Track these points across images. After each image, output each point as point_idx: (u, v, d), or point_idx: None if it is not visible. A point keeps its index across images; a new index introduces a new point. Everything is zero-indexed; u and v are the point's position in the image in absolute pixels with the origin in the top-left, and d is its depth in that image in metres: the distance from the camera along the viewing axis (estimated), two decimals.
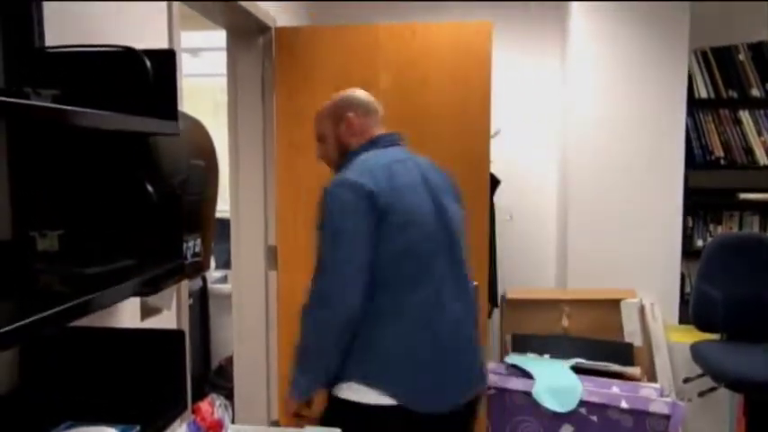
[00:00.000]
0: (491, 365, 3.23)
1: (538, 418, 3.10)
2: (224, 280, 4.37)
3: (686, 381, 3.23)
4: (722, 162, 3.55)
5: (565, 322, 3.43)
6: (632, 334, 3.35)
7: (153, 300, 1.93)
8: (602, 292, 3.49)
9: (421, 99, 2.96)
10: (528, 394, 3.11)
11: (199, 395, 1.80)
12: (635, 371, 3.21)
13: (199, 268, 1.66)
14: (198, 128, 1.78)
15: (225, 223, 3.14)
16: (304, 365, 1.79)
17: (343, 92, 2.05)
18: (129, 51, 1.31)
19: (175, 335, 1.45)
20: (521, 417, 3.14)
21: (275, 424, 3.11)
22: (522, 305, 3.49)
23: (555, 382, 3.11)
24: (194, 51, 4.59)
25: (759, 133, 3.55)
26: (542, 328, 3.44)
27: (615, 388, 3.08)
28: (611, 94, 3.48)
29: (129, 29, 1.83)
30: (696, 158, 3.55)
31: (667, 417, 2.94)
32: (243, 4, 2.63)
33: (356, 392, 1.76)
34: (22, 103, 0.97)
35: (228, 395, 1.94)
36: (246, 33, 2.99)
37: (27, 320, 0.89)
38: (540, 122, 3.77)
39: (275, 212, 3.11)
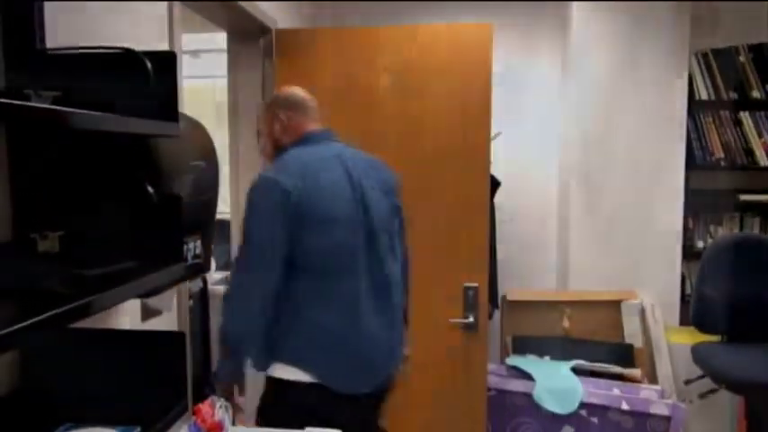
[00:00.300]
0: (491, 367, 3.23)
1: (538, 420, 3.09)
2: (225, 281, 4.37)
3: (687, 382, 3.22)
4: (723, 163, 3.55)
5: (565, 324, 3.43)
6: (633, 335, 3.35)
7: (153, 301, 1.93)
8: (602, 293, 3.48)
9: (421, 101, 2.96)
10: (528, 396, 3.11)
11: (199, 397, 1.80)
12: (635, 372, 3.21)
13: (199, 270, 1.66)
14: (198, 129, 1.78)
15: (225, 224, 3.14)
16: (224, 351, 1.97)
17: (280, 90, 2.19)
18: (129, 53, 1.31)
19: (176, 336, 1.45)
20: (521, 418, 3.14)
21: None
22: (522, 306, 3.49)
23: (555, 384, 3.11)
24: (195, 53, 4.60)
25: (759, 135, 3.54)
26: (543, 330, 3.44)
27: (616, 389, 3.08)
28: (612, 94, 3.47)
29: (130, 30, 1.83)
30: (697, 160, 3.54)
31: (668, 418, 2.94)
32: (243, 5, 2.63)
33: (285, 372, 1.94)
34: (23, 105, 0.97)
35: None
36: (247, 35, 2.99)
37: (27, 322, 0.89)
38: (541, 124, 3.78)
39: None
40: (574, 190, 3.56)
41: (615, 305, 3.44)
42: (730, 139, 3.57)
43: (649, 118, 3.48)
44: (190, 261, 1.56)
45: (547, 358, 3.31)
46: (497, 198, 3.47)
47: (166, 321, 2.05)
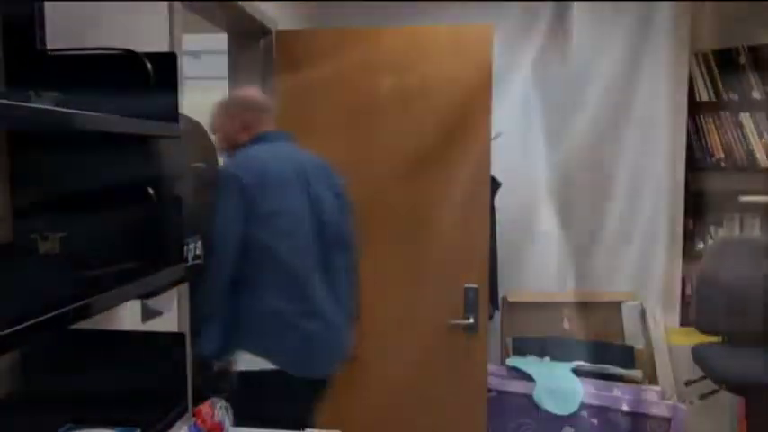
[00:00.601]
0: (492, 368, 3.22)
1: (538, 421, 3.09)
2: None
3: (687, 383, 3.23)
4: (723, 164, 3.56)
5: (566, 325, 3.43)
6: (633, 336, 3.35)
7: (154, 302, 1.93)
8: (602, 294, 3.48)
9: (422, 102, 2.96)
10: (529, 397, 3.10)
11: (199, 398, 1.80)
12: (636, 374, 3.21)
13: (200, 271, 1.66)
14: (199, 130, 1.78)
15: None
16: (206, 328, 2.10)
17: (238, 91, 2.36)
18: (130, 54, 1.31)
19: (176, 337, 1.45)
20: (521, 419, 3.14)
21: None
22: (522, 308, 3.49)
23: (556, 385, 3.11)
24: (196, 54, 4.60)
25: (760, 136, 3.55)
26: (543, 331, 3.44)
27: (616, 391, 3.08)
28: (612, 95, 3.47)
29: (130, 31, 1.83)
30: (697, 161, 3.56)
31: (668, 420, 2.93)
32: (243, 6, 2.63)
33: (247, 362, 2.07)
34: (23, 106, 0.97)
35: (229, 398, 1.99)
36: (247, 36, 2.99)
37: (27, 323, 0.89)
38: (541, 124, 3.78)
39: None
40: (574, 190, 3.56)
41: (615, 306, 3.44)
42: (731, 141, 3.57)
43: (650, 118, 3.48)
44: (190, 262, 1.56)
45: (547, 359, 3.30)
46: (498, 199, 3.48)
47: (167, 322, 2.05)
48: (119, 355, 1.44)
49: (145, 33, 1.95)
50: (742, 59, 3.60)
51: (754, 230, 3.71)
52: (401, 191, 2.93)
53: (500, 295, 3.54)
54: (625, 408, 2.98)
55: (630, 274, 3.53)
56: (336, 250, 2.25)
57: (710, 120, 3.61)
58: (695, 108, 3.55)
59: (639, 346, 3.31)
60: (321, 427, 2.02)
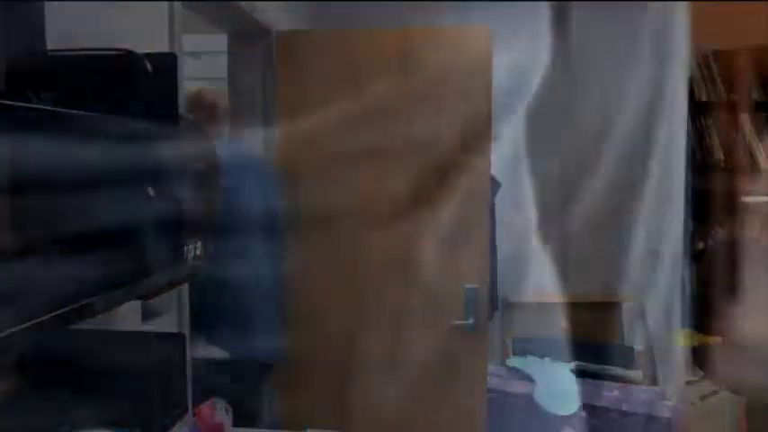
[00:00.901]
0: (492, 368, 3.23)
1: (538, 421, 3.09)
2: None
3: (688, 384, 3.23)
4: (723, 165, 3.56)
5: (566, 325, 3.43)
6: (633, 337, 3.35)
7: (154, 303, 1.93)
8: (603, 294, 3.49)
9: (422, 102, 2.96)
10: (529, 397, 3.11)
11: (199, 398, 1.80)
12: (636, 374, 3.21)
13: (199, 272, 1.66)
14: (199, 131, 1.78)
15: None
16: None
17: (189, 90, 2.47)
18: (130, 54, 1.31)
19: (176, 338, 1.45)
20: (521, 420, 3.14)
21: None
22: (522, 308, 3.49)
23: (556, 386, 3.11)
24: (196, 54, 4.59)
25: (760, 137, 3.56)
26: (543, 331, 3.45)
27: (616, 391, 3.08)
28: (612, 96, 3.47)
29: (131, 31, 1.83)
30: (697, 161, 3.55)
31: (669, 420, 2.94)
32: (244, 6, 2.64)
33: (206, 351, 2.24)
34: (23, 107, 0.97)
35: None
36: (247, 37, 2.99)
37: (28, 324, 0.89)
38: (542, 124, 3.78)
39: None
40: (574, 191, 3.56)
41: (616, 307, 3.44)
42: (731, 141, 3.57)
43: (650, 119, 3.48)
44: (190, 263, 1.56)
45: (547, 360, 3.31)
46: (498, 200, 3.48)
47: (167, 323, 2.05)
48: (118, 355, 1.44)
49: (145, 33, 1.95)
50: (742, 60, 3.62)
51: (755, 231, 3.72)
52: (401, 190, 2.95)
53: (500, 296, 3.55)
54: (625, 408, 2.98)
55: (631, 274, 3.56)
56: (274, 242, 2.43)
57: (711, 121, 3.62)
58: (695, 109, 3.55)
59: (639, 346, 3.31)
60: (322, 427, 2.02)
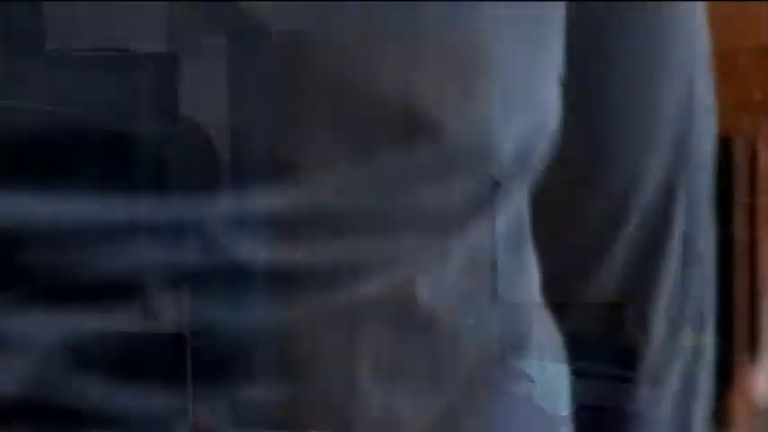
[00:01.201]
0: None
1: (538, 421, 3.08)
2: None
3: None
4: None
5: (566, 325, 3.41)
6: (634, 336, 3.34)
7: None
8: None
9: None
10: (529, 397, 3.10)
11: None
12: (638, 374, 3.20)
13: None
14: (200, 131, 1.79)
15: None
16: None
17: None
18: (130, 54, 1.32)
19: (176, 338, 1.45)
20: (521, 419, 3.13)
21: None
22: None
23: (555, 385, 3.10)
24: None
25: None
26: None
27: (616, 391, 3.07)
28: None
29: (131, 32, 1.84)
30: None
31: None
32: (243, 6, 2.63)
33: None
34: (21, 107, 0.98)
35: None
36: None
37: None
38: None
39: None
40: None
41: (615, 305, 3.42)
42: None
43: None
44: None
45: (547, 359, 3.30)
46: None
47: (167, 323, 2.06)
48: (118, 355, 1.45)
49: (146, 33, 1.96)
50: (743, 61, 3.64)
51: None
52: None
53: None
54: (626, 408, 2.97)
55: None
56: None
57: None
58: None
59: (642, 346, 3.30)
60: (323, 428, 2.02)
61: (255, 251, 0.40)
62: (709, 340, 0.55)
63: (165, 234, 0.39)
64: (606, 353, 0.56)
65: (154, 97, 0.40)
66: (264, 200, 0.42)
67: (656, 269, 0.53)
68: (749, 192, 2.06)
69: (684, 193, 0.52)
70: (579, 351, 0.53)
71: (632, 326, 0.55)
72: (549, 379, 0.49)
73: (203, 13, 0.41)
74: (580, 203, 0.52)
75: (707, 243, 0.55)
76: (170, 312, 0.39)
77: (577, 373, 0.54)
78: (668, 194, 0.52)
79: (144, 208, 0.39)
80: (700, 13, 0.54)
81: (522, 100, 0.47)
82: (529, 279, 0.48)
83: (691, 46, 0.52)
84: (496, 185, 0.43)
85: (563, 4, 0.48)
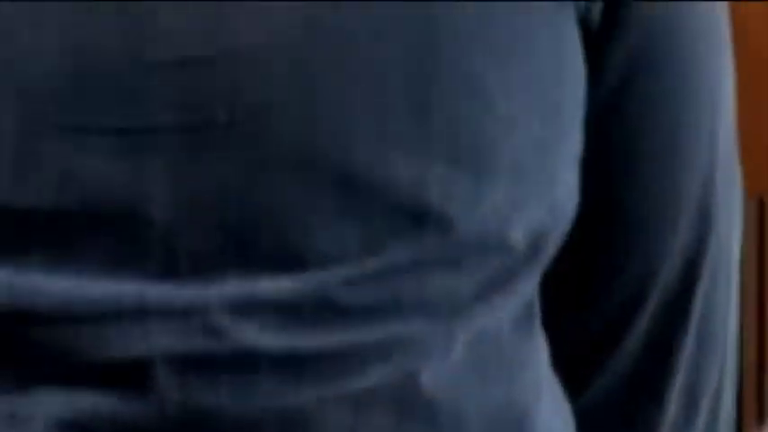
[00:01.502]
0: None
1: None
2: None
3: None
4: None
5: None
6: None
7: None
8: None
9: None
10: None
11: None
12: None
13: None
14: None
15: None
16: None
17: None
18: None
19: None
20: None
21: None
22: None
23: None
24: None
25: None
26: None
27: None
28: None
29: None
30: None
31: None
32: None
33: None
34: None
35: None
36: None
37: None
38: None
39: None
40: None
41: None
42: None
43: None
44: None
45: None
46: None
47: None
48: None
49: None
50: None
51: None
52: None
53: None
54: None
55: None
56: None
57: None
58: None
59: None
60: None
61: (261, 337, 0.37)
62: (724, 419, 0.49)
63: (173, 317, 0.37)
64: (620, 430, 0.49)
65: (167, 180, 0.37)
66: (272, 286, 0.37)
67: (671, 351, 0.47)
68: None
69: (705, 277, 0.47)
70: (593, 428, 0.47)
71: (647, 404, 0.48)
72: None
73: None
74: (598, 286, 0.47)
75: (725, 327, 0.49)
76: (176, 395, 0.36)
77: None
78: (688, 278, 0.47)
79: (153, 290, 0.37)
80: (725, 80, 0.47)
81: (537, 190, 0.41)
82: (538, 362, 0.43)
83: (714, 116, 0.46)
84: (506, 272, 0.40)
85: (582, 90, 0.43)
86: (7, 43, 0.37)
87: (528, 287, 0.42)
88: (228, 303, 0.37)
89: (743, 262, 0.52)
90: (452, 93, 0.38)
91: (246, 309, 0.37)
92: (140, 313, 0.37)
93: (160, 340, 0.37)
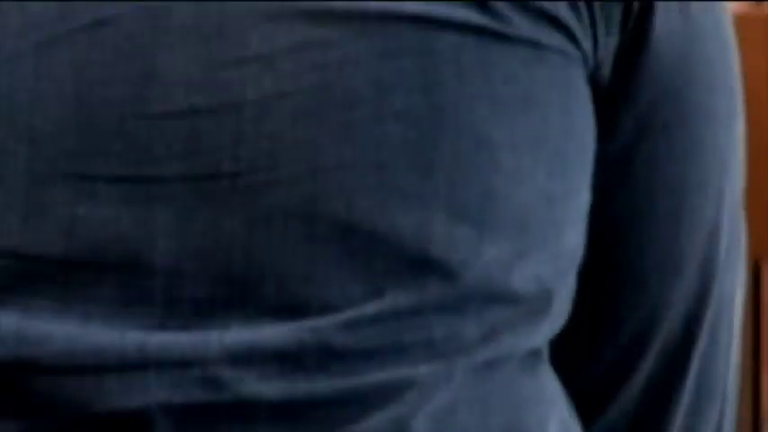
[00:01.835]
0: None
1: None
2: None
3: None
4: None
5: None
6: None
7: None
8: None
9: None
10: None
11: None
12: None
13: None
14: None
15: None
16: None
17: None
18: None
19: None
20: None
21: None
22: None
23: None
24: None
25: None
26: None
27: None
28: None
29: None
30: None
31: None
32: None
33: None
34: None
35: None
36: None
37: None
38: None
39: None
40: None
41: None
42: None
43: None
44: None
45: None
46: None
47: None
48: None
49: None
50: None
51: None
52: None
53: None
54: None
55: None
56: None
57: None
58: None
59: None
60: None
61: (260, 386, 0.37)
62: None
63: (172, 367, 0.37)
64: None
65: (172, 228, 0.36)
66: (272, 333, 0.37)
67: (669, 402, 0.47)
68: None
69: (705, 331, 0.47)
70: None
71: None
72: None
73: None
74: (601, 334, 0.47)
75: (724, 381, 0.50)
76: None
77: None
78: (688, 330, 0.47)
79: (154, 338, 0.37)
80: (736, 136, 0.47)
81: (543, 242, 0.41)
82: (546, 404, 0.42)
83: (723, 173, 0.46)
84: (512, 319, 0.40)
85: (590, 145, 0.43)
86: (16, 91, 0.37)
87: (537, 336, 0.42)
88: (228, 353, 0.37)
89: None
90: (456, 148, 0.38)
91: (246, 358, 0.37)
92: (142, 363, 0.37)
93: (159, 391, 0.37)
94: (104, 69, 0.37)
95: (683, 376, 0.47)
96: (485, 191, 0.39)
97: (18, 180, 0.37)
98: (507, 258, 0.39)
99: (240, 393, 0.37)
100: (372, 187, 0.38)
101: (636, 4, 0.42)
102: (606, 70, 0.42)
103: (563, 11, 0.40)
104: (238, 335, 0.37)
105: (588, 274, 0.44)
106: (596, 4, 0.41)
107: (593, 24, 0.41)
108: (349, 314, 0.37)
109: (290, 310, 0.37)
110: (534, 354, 0.43)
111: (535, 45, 0.39)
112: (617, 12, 0.41)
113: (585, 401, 0.47)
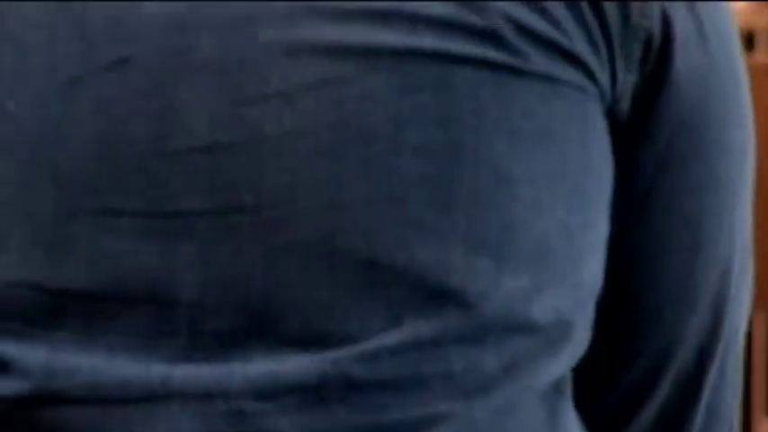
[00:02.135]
0: None
1: None
2: None
3: None
4: None
5: None
6: None
7: None
8: None
9: None
10: None
11: None
12: None
13: None
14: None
15: None
16: None
17: None
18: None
19: None
20: None
21: None
22: None
23: None
24: None
25: None
26: None
27: None
28: None
29: None
30: None
31: None
32: None
33: None
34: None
35: None
36: None
37: None
38: None
39: None
40: None
41: None
42: None
43: None
44: None
45: None
46: None
47: None
48: None
49: None
50: None
51: None
52: None
53: None
54: None
55: None
56: None
57: None
58: None
59: None
60: None
61: (282, 419, 0.37)
62: None
63: (196, 400, 0.37)
64: None
65: (195, 262, 0.37)
66: (293, 365, 0.38)
67: (681, 430, 0.48)
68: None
69: (716, 364, 0.48)
70: None
71: None
72: None
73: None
74: (617, 365, 0.47)
75: (731, 409, 0.51)
76: None
77: None
78: (701, 362, 0.48)
79: (178, 371, 0.37)
80: (746, 176, 0.47)
81: (561, 274, 0.41)
82: None
83: (734, 205, 0.47)
84: (532, 351, 0.40)
85: (608, 178, 0.43)
86: (41, 130, 0.38)
87: (557, 367, 0.42)
88: (251, 385, 0.37)
89: None
90: (475, 182, 0.39)
91: (268, 390, 0.37)
92: (166, 395, 0.37)
93: (184, 423, 0.37)
94: (127, 106, 0.38)
95: (694, 405, 0.48)
96: (504, 224, 0.39)
97: (44, 216, 0.38)
98: (526, 290, 0.39)
99: (262, 426, 0.37)
100: (391, 222, 0.38)
101: (656, 42, 0.42)
102: (625, 105, 0.42)
103: (580, 46, 0.40)
104: (261, 367, 0.37)
105: (606, 307, 0.44)
106: (615, 42, 0.41)
107: (611, 59, 0.41)
108: (368, 345, 0.38)
109: (311, 341, 0.38)
110: (555, 390, 0.43)
111: (552, 80, 0.39)
112: (637, 49, 0.41)
113: (600, 429, 0.47)
